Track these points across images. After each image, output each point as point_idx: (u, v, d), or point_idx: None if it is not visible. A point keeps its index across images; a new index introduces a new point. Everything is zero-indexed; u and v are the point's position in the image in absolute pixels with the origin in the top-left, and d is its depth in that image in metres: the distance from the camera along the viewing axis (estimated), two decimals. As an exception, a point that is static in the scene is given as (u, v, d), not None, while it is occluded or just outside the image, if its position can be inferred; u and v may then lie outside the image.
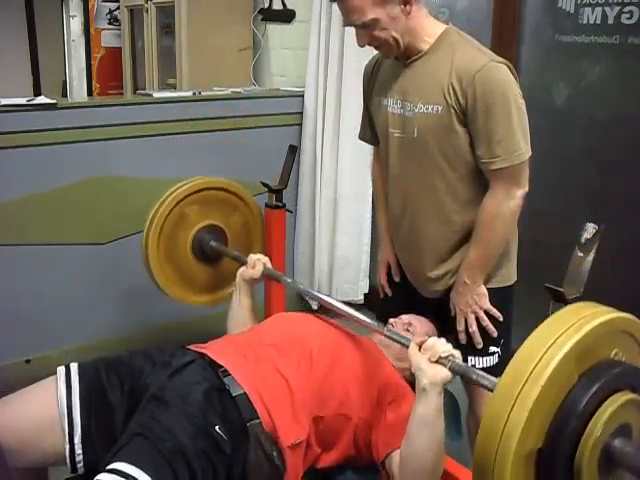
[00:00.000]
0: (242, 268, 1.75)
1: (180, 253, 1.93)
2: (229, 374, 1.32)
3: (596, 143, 2.15)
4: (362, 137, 1.86)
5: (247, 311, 1.73)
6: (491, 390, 1.05)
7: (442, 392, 1.20)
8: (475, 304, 1.56)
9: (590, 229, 1.25)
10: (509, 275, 1.65)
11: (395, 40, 1.47)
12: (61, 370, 1.36)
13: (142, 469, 1.11)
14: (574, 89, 2.21)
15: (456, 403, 1.72)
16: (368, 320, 1.43)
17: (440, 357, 1.19)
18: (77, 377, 1.34)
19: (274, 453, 1.27)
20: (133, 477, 1.10)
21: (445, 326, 1.66)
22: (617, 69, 2.10)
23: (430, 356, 1.20)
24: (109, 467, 1.12)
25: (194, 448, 1.17)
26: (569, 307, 0.98)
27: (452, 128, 1.47)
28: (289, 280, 1.76)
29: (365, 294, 3.03)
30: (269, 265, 1.74)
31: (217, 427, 1.23)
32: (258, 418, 1.27)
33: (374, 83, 1.68)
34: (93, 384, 1.34)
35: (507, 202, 1.48)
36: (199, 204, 1.93)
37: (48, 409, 1.30)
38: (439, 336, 1.32)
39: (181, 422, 1.20)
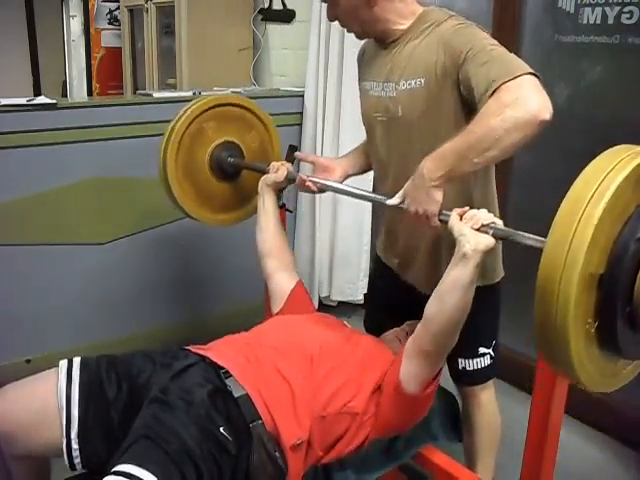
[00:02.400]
0: (265, 175, 1.79)
1: (198, 170, 1.93)
2: (230, 375, 1.32)
3: (596, 143, 2.15)
4: None
5: (272, 217, 1.77)
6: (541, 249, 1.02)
7: (480, 263, 1.21)
8: (424, 204, 1.33)
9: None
10: (495, 271, 1.60)
11: (360, 27, 1.49)
12: (63, 363, 1.37)
13: (149, 470, 1.11)
14: (574, 89, 2.21)
15: (456, 403, 1.72)
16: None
17: (482, 225, 1.20)
18: (78, 371, 1.35)
19: (277, 454, 1.27)
20: (139, 479, 1.10)
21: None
22: (617, 69, 2.09)
23: (472, 224, 1.21)
24: (115, 469, 1.12)
25: (200, 449, 1.18)
26: (620, 146, 1.02)
27: (438, 96, 1.41)
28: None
29: (365, 294, 3.03)
30: (292, 169, 1.78)
31: (222, 428, 1.23)
32: (260, 419, 1.28)
33: (360, 68, 1.70)
34: (93, 379, 1.35)
35: (514, 107, 1.21)
36: (216, 120, 1.93)
37: (47, 400, 1.31)
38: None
39: (186, 424, 1.21)
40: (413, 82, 1.44)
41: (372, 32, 1.50)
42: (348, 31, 1.56)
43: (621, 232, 0.96)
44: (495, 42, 1.36)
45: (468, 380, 1.66)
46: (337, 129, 2.82)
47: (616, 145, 1.06)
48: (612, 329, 0.97)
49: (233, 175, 1.98)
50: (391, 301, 1.77)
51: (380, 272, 1.82)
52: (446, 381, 1.83)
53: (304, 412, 1.32)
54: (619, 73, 2.10)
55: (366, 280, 3.01)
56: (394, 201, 1.41)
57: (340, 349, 1.44)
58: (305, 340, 1.44)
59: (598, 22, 2.06)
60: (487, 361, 1.63)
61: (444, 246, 1.53)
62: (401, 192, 1.39)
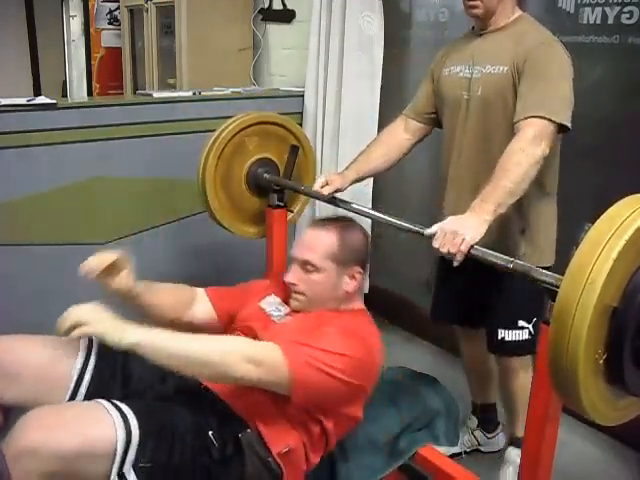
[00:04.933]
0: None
1: (234, 181, 2.01)
2: (210, 390, 1.36)
3: (596, 143, 2.15)
4: (407, 111, 1.95)
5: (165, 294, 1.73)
6: (554, 285, 1.16)
7: None
8: (469, 231, 1.41)
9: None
10: (548, 254, 1.72)
11: (492, 2, 1.63)
12: (84, 341, 1.42)
13: (134, 413, 1.20)
14: (574, 89, 2.20)
15: (455, 406, 1.72)
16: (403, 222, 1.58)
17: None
18: (94, 358, 1.40)
19: (269, 459, 1.28)
20: (125, 414, 1.18)
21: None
22: (617, 69, 2.10)
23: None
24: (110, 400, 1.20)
25: (184, 431, 1.23)
26: None
27: (512, 87, 1.61)
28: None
29: (365, 294, 3.02)
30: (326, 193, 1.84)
31: (211, 432, 1.26)
32: (249, 428, 1.30)
33: (444, 59, 1.83)
34: (104, 374, 1.39)
35: (532, 147, 1.49)
36: (259, 136, 2.01)
37: (61, 363, 1.37)
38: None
39: (183, 412, 1.26)
40: (497, 68, 1.64)
41: (492, 11, 1.66)
42: (471, 6, 1.66)
43: (638, 270, 1.01)
44: (564, 72, 1.60)
45: (506, 351, 1.74)
46: (337, 129, 2.82)
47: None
48: (619, 361, 1.02)
49: (266, 191, 2.02)
50: (458, 285, 1.87)
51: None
52: (448, 382, 1.83)
53: (286, 420, 1.33)
54: (619, 73, 2.10)
55: (366, 280, 3.01)
56: (433, 230, 1.45)
57: None
58: None
59: (598, 22, 2.06)
60: (526, 335, 1.70)
61: (513, 223, 1.69)
62: (440, 224, 1.46)
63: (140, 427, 1.18)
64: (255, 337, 1.45)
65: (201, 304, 1.68)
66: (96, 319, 1.27)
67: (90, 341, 1.41)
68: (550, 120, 1.52)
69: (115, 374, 1.39)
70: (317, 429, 1.37)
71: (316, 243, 1.52)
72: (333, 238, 1.51)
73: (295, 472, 1.35)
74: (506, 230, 1.68)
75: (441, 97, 1.82)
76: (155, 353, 1.23)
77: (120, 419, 1.19)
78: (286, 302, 1.58)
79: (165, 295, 1.64)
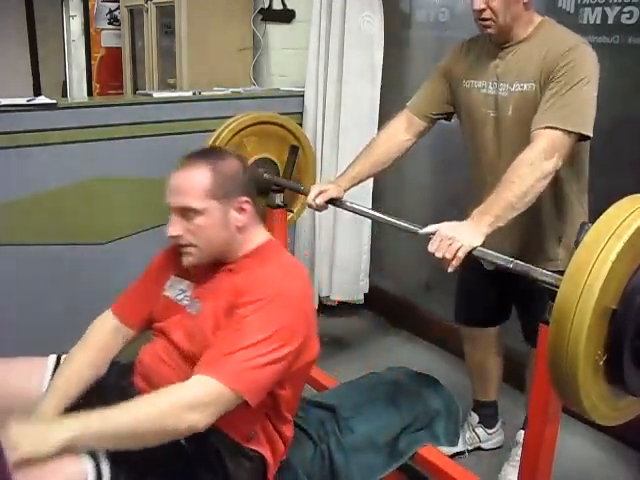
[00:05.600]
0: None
1: None
2: None
3: (596, 143, 2.15)
4: (412, 107, 1.87)
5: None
6: (554, 285, 1.14)
7: None
8: (465, 238, 1.40)
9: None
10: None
11: (504, 19, 1.57)
12: (52, 358, 1.47)
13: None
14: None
15: (456, 406, 1.72)
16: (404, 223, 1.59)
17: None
18: None
19: (244, 449, 1.30)
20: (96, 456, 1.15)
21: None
22: (617, 69, 2.09)
23: None
24: None
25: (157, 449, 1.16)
26: None
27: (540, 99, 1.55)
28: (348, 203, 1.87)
29: (365, 294, 3.03)
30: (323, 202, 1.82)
31: (183, 441, 1.22)
32: (214, 429, 1.23)
33: (462, 67, 1.75)
34: None
35: (542, 161, 1.45)
36: (257, 136, 2.02)
37: (30, 388, 1.41)
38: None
39: None
40: (526, 86, 1.60)
41: (505, 26, 1.59)
42: (484, 25, 1.60)
43: (637, 271, 1.00)
44: (590, 78, 1.50)
45: None
46: (337, 129, 2.82)
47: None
48: (619, 362, 1.02)
49: (266, 191, 2.02)
50: (488, 286, 1.88)
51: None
52: (448, 382, 1.83)
53: (243, 408, 1.28)
54: (619, 73, 2.09)
55: (366, 280, 3.01)
56: (428, 230, 1.45)
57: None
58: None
59: (598, 22, 2.06)
60: None
61: (553, 231, 1.71)
62: (435, 225, 1.45)
63: (110, 464, 1.14)
64: (171, 340, 1.37)
65: (118, 331, 1.55)
66: (18, 441, 1.08)
67: (58, 357, 1.43)
68: (565, 131, 1.47)
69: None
70: (276, 398, 1.33)
71: (189, 184, 1.37)
72: (206, 173, 1.36)
73: (275, 447, 1.35)
74: (545, 237, 1.72)
75: (460, 108, 1.78)
76: (90, 444, 1.13)
77: (90, 461, 1.14)
78: (184, 274, 1.45)
79: (85, 369, 1.47)
